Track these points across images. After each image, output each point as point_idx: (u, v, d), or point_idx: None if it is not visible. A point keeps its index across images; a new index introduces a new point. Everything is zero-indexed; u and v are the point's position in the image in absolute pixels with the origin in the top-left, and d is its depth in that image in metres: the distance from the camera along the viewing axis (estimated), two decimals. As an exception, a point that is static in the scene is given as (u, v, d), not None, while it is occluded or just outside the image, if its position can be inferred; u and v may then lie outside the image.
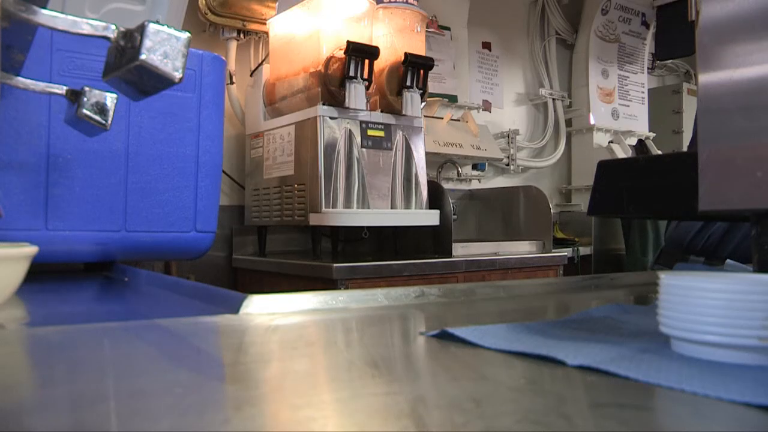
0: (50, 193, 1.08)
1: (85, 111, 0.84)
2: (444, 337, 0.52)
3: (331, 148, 1.87)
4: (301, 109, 1.95)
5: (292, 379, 0.41)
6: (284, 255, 2.22)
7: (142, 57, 0.64)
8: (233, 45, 2.26)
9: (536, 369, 0.43)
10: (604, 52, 3.67)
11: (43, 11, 0.66)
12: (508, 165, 3.14)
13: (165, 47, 0.65)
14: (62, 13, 0.67)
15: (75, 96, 0.85)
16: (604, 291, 0.98)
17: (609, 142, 3.58)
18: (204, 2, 2.16)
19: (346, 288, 1.70)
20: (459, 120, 2.90)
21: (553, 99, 3.45)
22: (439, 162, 2.79)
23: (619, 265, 3.14)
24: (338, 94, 1.88)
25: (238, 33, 2.26)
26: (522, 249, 2.54)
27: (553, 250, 2.69)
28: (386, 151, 1.98)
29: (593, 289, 0.99)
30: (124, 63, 0.66)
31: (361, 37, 1.93)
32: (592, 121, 3.53)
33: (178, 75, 0.66)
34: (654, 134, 3.87)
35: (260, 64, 2.26)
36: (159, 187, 1.20)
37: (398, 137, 2.02)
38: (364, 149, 1.93)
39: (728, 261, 1.11)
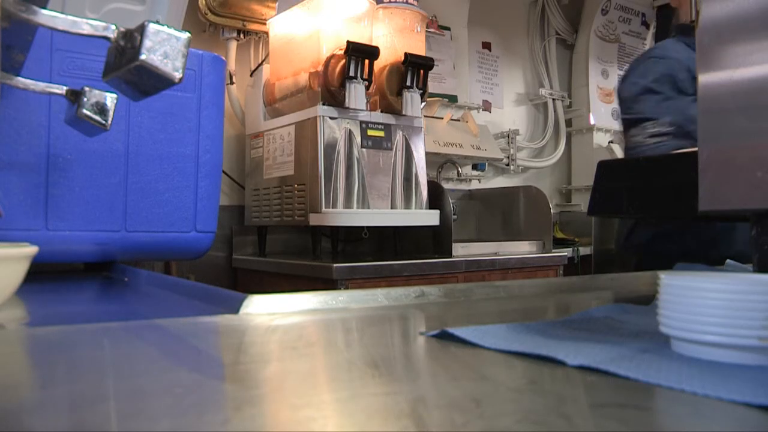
0: (50, 193, 1.08)
1: (85, 111, 0.84)
2: (444, 337, 0.52)
3: (331, 148, 1.87)
4: (301, 109, 1.95)
5: (292, 379, 0.41)
6: (284, 255, 2.22)
7: (142, 57, 0.64)
8: (233, 45, 2.26)
9: (536, 369, 0.43)
10: (604, 52, 3.67)
11: (43, 11, 0.66)
12: (508, 165, 3.14)
13: (165, 47, 0.65)
14: (62, 13, 0.67)
15: (75, 96, 0.85)
16: (604, 291, 0.98)
17: (609, 142, 3.58)
18: (204, 2, 2.16)
19: (346, 288, 1.70)
20: (459, 120, 2.90)
21: (553, 99, 3.45)
22: (439, 162, 2.79)
23: (619, 265, 3.13)
24: (338, 94, 1.88)
25: (238, 33, 2.26)
26: (522, 249, 2.54)
27: (553, 250, 2.69)
28: (386, 151, 1.98)
29: (593, 289, 0.99)
30: (124, 63, 0.66)
31: (361, 37, 1.93)
32: (592, 121, 3.53)
33: (178, 75, 0.66)
34: (654, 134, 3.85)
35: (260, 64, 2.26)
36: (159, 187, 1.20)
37: (398, 137, 2.02)
38: (364, 149, 1.93)
39: (728, 261, 1.11)
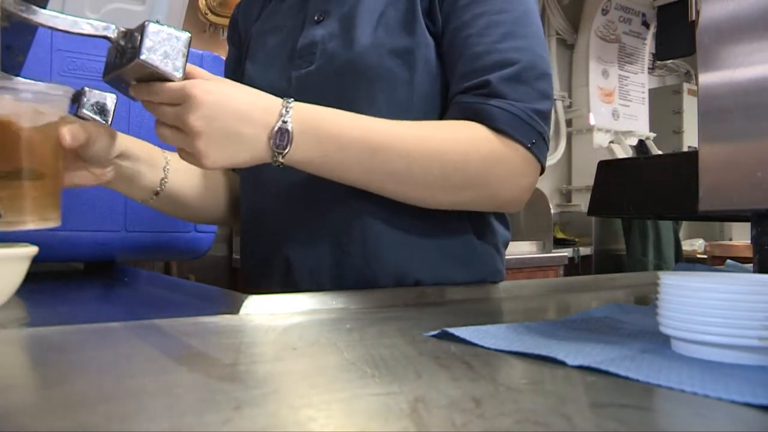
0: (50, 193, 1.08)
1: (85, 111, 0.84)
2: (444, 337, 0.52)
3: (331, 148, 1.86)
4: (301, 109, 1.94)
5: (292, 379, 0.41)
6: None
7: (142, 57, 0.64)
8: (233, 45, 2.26)
9: (536, 369, 0.43)
10: (605, 52, 3.67)
11: (43, 11, 0.66)
12: (508, 165, 3.14)
13: (165, 47, 0.65)
14: (62, 13, 0.67)
15: (75, 96, 0.85)
16: (604, 291, 0.98)
17: (609, 143, 3.58)
18: (204, 2, 2.16)
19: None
20: (459, 120, 2.90)
21: (554, 99, 3.46)
22: (439, 162, 2.78)
23: (619, 265, 3.14)
24: (338, 94, 1.87)
25: (238, 33, 2.26)
26: (522, 249, 2.54)
27: (553, 250, 2.69)
28: (386, 151, 1.97)
29: (593, 289, 0.99)
30: (124, 63, 0.66)
31: (361, 37, 1.93)
32: (592, 122, 3.53)
33: (178, 75, 0.66)
34: (654, 134, 3.87)
35: (260, 64, 2.25)
36: (159, 187, 1.20)
37: (398, 137, 2.01)
38: (364, 149, 1.92)
39: (728, 261, 1.11)
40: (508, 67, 0.78)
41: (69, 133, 0.70)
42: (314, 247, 0.85)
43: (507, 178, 0.79)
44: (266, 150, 0.70)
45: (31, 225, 0.67)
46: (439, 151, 0.76)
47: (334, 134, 0.73)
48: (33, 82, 0.68)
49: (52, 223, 0.70)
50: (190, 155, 0.70)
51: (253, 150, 0.70)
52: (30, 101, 0.67)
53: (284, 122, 0.70)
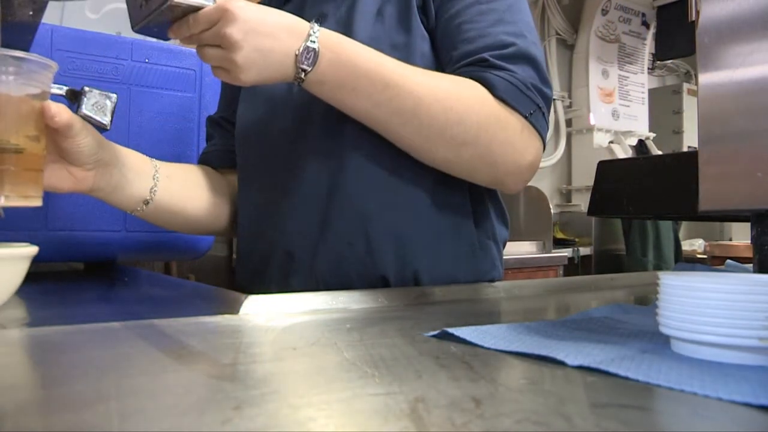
0: (50, 193, 1.08)
1: (85, 111, 0.84)
2: (444, 337, 0.52)
3: (331, 148, 1.86)
4: (301, 109, 1.94)
5: (292, 379, 0.41)
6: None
7: None
8: (233, 45, 2.26)
9: (536, 369, 0.43)
10: (604, 52, 3.67)
11: None
12: (508, 165, 3.14)
13: None
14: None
15: (75, 96, 0.85)
16: (604, 291, 0.98)
17: (609, 143, 3.58)
18: (204, 2, 2.16)
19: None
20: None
21: (553, 99, 3.46)
22: (439, 162, 2.78)
23: (619, 265, 3.14)
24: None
25: (238, 33, 2.26)
26: (522, 249, 2.54)
27: (553, 251, 2.69)
28: (386, 151, 1.97)
29: (593, 289, 0.99)
30: (155, 8, 0.67)
31: (361, 37, 1.93)
32: (592, 122, 3.53)
33: (209, 3, 0.67)
34: (654, 134, 3.86)
35: (260, 64, 2.25)
36: (159, 187, 1.20)
37: (398, 137, 2.01)
38: (364, 149, 1.92)
39: (728, 261, 1.11)
40: (503, 48, 0.80)
41: (53, 108, 0.67)
42: (316, 240, 0.85)
43: (508, 144, 0.79)
44: (292, 68, 0.73)
45: (7, 202, 0.62)
46: (445, 99, 0.77)
47: (351, 61, 0.75)
48: (12, 50, 0.63)
49: (33, 202, 0.65)
50: (227, 72, 0.72)
51: (281, 66, 0.72)
52: (8, 71, 0.62)
53: (312, 42, 0.72)
